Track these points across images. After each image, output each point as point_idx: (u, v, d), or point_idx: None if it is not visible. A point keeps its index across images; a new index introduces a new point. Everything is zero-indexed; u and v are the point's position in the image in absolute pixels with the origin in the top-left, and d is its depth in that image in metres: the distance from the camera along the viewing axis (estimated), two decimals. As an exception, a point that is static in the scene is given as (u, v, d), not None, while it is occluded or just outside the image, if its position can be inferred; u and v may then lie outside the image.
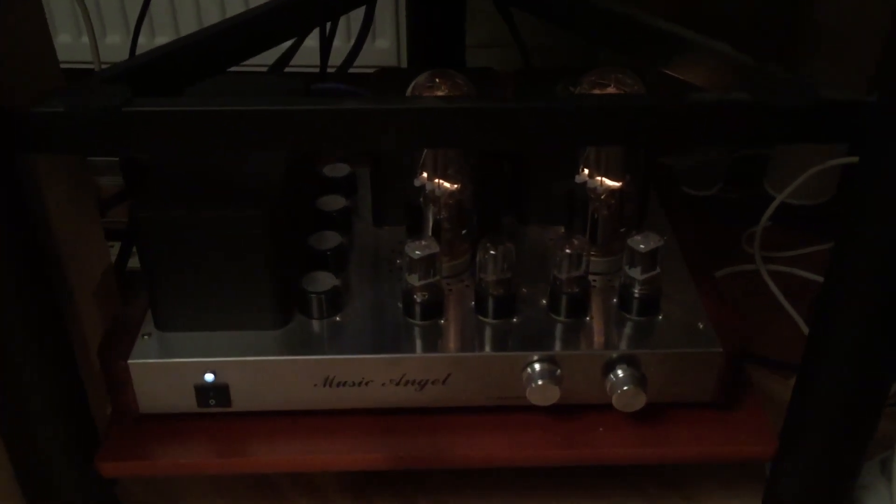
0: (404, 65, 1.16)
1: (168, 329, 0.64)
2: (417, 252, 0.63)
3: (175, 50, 0.59)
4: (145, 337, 0.63)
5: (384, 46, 1.19)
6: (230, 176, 0.63)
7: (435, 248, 0.63)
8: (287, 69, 0.82)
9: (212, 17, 1.16)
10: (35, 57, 0.60)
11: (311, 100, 0.52)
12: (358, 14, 0.92)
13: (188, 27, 1.17)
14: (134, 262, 0.77)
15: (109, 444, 0.64)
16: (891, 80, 0.50)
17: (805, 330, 0.90)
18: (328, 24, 0.91)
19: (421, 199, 0.68)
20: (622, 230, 0.70)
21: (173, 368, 0.62)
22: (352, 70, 0.92)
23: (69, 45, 1.16)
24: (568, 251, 0.63)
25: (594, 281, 0.69)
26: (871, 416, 0.62)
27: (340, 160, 0.81)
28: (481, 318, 0.65)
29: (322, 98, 0.59)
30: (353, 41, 0.95)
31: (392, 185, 0.73)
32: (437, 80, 0.64)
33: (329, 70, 0.94)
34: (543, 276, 0.67)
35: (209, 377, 0.62)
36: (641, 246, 0.63)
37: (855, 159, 0.53)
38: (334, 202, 0.74)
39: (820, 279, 0.96)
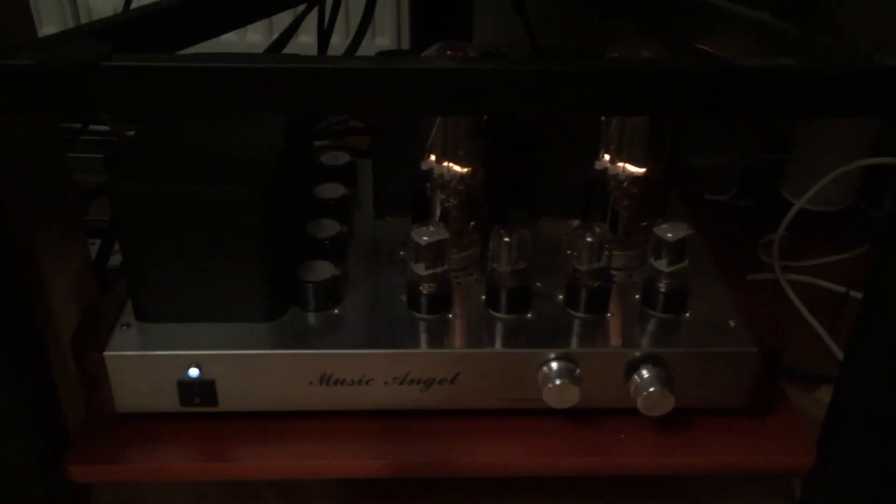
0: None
1: (149, 319, 0.58)
2: (425, 238, 0.57)
3: (164, 9, 0.54)
4: (124, 327, 0.58)
5: (383, 44, 1.14)
6: (221, 149, 0.58)
7: (444, 234, 0.58)
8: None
9: None
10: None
11: (314, 58, 0.46)
12: (357, 10, 0.88)
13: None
14: (115, 261, 0.72)
15: (82, 446, 0.57)
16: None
17: (829, 341, 0.85)
18: (325, 19, 0.87)
19: (428, 185, 0.63)
20: (644, 224, 0.65)
21: (154, 362, 0.56)
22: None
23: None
24: (589, 240, 0.58)
25: (615, 276, 0.63)
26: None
27: (340, 149, 0.76)
28: (493, 312, 0.60)
29: (326, 56, 0.53)
30: (351, 38, 0.91)
31: (395, 173, 0.68)
32: (448, 51, 0.58)
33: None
34: (558, 273, 0.62)
35: (194, 372, 0.56)
36: (669, 235, 0.58)
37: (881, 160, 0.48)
38: (333, 190, 0.69)
39: (841, 289, 0.92)
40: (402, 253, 0.66)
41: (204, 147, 0.58)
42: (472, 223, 0.65)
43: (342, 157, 0.74)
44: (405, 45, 1.14)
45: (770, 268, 0.93)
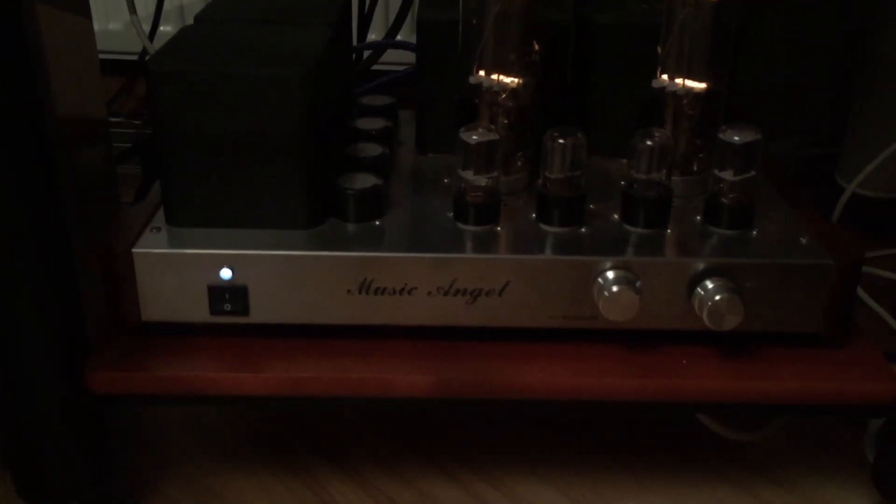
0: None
1: (181, 224, 0.55)
2: (475, 137, 0.54)
3: None
4: (154, 230, 0.54)
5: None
6: (265, 45, 0.55)
7: (495, 136, 0.54)
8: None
9: None
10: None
11: None
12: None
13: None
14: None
15: (101, 354, 0.54)
16: None
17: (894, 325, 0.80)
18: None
19: (476, 101, 0.60)
20: (701, 155, 0.61)
21: (184, 262, 0.52)
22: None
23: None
24: (649, 143, 0.54)
25: (675, 202, 0.59)
26: None
27: (381, 92, 0.74)
28: (544, 226, 0.56)
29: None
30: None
31: (439, 108, 0.65)
32: None
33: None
34: (612, 199, 0.58)
35: (226, 274, 0.53)
36: (736, 138, 0.54)
37: None
38: (374, 123, 0.66)
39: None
40: (446, 181, 0.62)
41: (248, 43, 0.56)
42: (521, 151, 0.61)
43: (384, 99, 0.72)
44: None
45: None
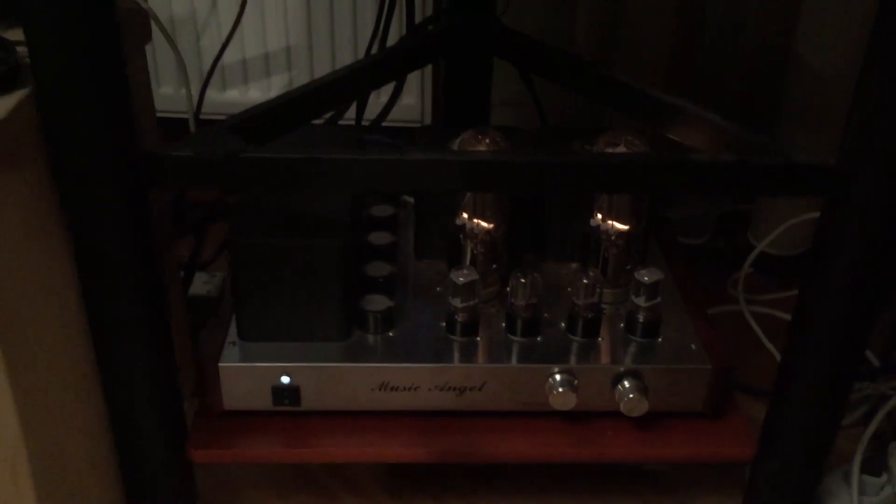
0: (427, 120, 1.31)
1: (250, 339, 0.76)
2: (461, 279, 0.76)
3: (270, 108, 0.72)
4: (231, 345, 0.76)
5: (410, 103, 1.32)
6: (307, 210, 0.76)
7: (475, 276, 0.76)
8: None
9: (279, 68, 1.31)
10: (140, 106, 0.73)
11: (389, 151, 0.65)
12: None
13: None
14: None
15: (199, 434, 0.75)
16: (847, 147, 0.63)
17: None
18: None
19: (461, 236, 0.81)
20: (628, 267, 0.83)
21: (255, 371, 0.74)
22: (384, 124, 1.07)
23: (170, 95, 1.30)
24: (585, 281, 0.76)
25: (605, 308, 0.81)
26: (830, 433, 0.76)
27: (385, 202, 0.95)
28: (511, 336, 0.78)
29: (397, 149, 0.72)
30: (381, 96, 1.09)
31: (432, 224, 0.86)
32: (480, 136, 0.77)
33: (364, 123, 1.09)
34: (560, 304, 0.80)
35: (284, 379, 0.74)
36: (646, 278, 0.76)
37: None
38: (383, 237, 0.87)
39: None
40: (438, 288, 0.84)
41: (293, 206, 0.76)
42: (494, 266, 0.83)
43: (387, 210, 0.93)
44: (429, 102, 1.32)
45: (736, 301, 1.12)
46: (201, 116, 1.13)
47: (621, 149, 0.77)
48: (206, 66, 1.22)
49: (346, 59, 1.29)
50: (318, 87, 0.76)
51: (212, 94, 1.29)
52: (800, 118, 1.08)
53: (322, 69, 1.30)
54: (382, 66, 0.82)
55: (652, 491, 0.90)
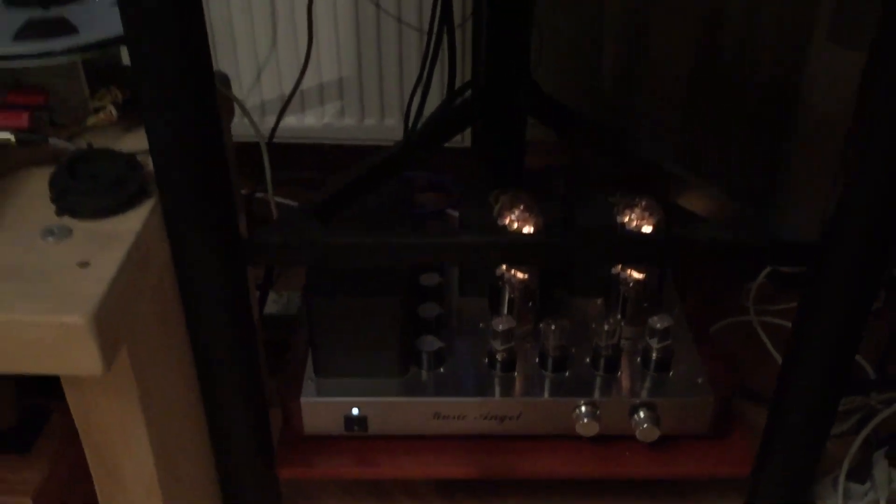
0: (467, 140, 1.43)
1: (325, 375, 0.91)
2: (500, 326, 0.90)
3: (339, 190, 0.86)
4: (310, 381, 0.91)
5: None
6: (370, 270, 0.90)
7: (513, 324, 0.90)
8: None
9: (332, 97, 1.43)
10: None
11: (442, 234, 0.79)
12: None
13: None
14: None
15: (283, 455, 0.91)
16: (831, 227, 0.76)
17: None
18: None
19: (500, 283, 0.95)
20: (645, 305, 0.96)
21: (329, 405, 0.89)
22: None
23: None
24: (606, 327, 0.90)
25: (624, 344, 0.95)
26: (820, 443, 0.89)
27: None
28: (543, 371, 0.92)
29: (446, 232, 0.85)
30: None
31: (475, 269, 1.00)
32: (514, 201, 0.90)
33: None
34: (586, 337, 0.94)
35: (354, 411, 0.89)
36: (658, 325, 0.90)
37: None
38: (432, 278, 1.01)
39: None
40: (480, 325, 0.98)
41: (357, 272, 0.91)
42: (530, 303, 0.97)
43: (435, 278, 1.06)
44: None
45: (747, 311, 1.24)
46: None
47: (637, 213, 0.90)
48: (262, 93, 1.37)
49: (391, 88, 1.42)
50: (375, 167, 0.89)
51: (269, 120, 1.43)
52: (806, 155, 1.19)
53: (370, 98, 1.43)
54: (428, 141, 0.96)
55: (661, 490, 1.04)
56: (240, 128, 0.91)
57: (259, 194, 1.18)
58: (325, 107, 1.45)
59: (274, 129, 1.29)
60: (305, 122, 1.46)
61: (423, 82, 1.15)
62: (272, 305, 1.23)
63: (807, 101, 1.15)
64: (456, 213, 1.22)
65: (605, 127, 0.99)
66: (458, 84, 1.06)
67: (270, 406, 0.88)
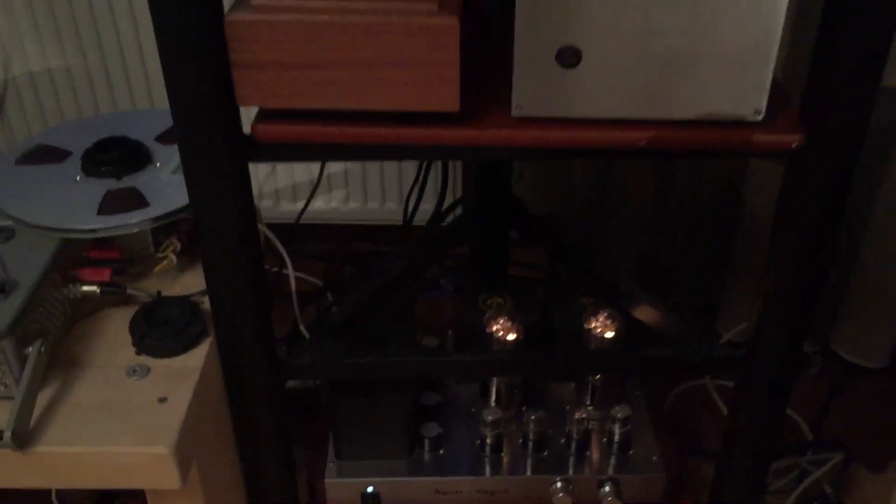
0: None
1: (344, 458, 1.10)
2: (490, 417, 1.08)
3: (353, 308, 1.04)
4: (331, 464, 1.09)
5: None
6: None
7: (500, 414, 1.09)
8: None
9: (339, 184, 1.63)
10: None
11: (442, 354, 0.97)
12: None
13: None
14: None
15: (311, 527, 1.10)
16: (756, 342, 0.94)
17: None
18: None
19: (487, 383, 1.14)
20: (611, 388, 1.15)
21: (348, 484, 1.08)
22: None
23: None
24: (577, 417, 1.09)
25: (592, 424, 1.14)
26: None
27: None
28: (525, 451, 1.11)
29: (444, 353, 1.04)
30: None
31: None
32: (497, 314, 1.09)
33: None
34: (562, 416, 1.12)
35: (369, 489, 1.08)
36: (619, 414, 1.09)
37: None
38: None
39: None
40: (472, 409, 1.17)
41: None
42: (515, 391, 1.15)
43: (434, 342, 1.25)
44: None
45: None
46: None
47: (601, 321, 1.09)
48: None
49: (391, 176, 1.61)
50: (381, 286, 1.08)
51: (285, 205, 1.62)
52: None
53: (372, 186, 1.61)
54: (424, 258, 1.15)
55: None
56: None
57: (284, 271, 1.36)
58: (332, 193, 1.64)
59: (301, 213, 1.49)
60: (315, 206, 1.64)
61: (420, 183, 1.34)
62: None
63: (747, 206, 1.34)
64: (451, 288, 1.42)
65: (574, 246, 1.18)
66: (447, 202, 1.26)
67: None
